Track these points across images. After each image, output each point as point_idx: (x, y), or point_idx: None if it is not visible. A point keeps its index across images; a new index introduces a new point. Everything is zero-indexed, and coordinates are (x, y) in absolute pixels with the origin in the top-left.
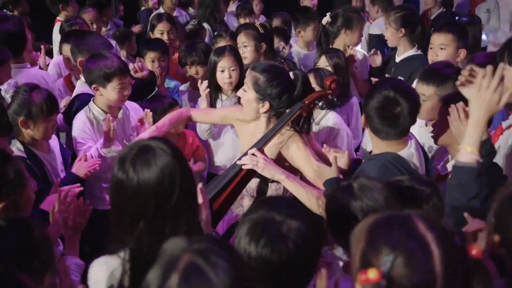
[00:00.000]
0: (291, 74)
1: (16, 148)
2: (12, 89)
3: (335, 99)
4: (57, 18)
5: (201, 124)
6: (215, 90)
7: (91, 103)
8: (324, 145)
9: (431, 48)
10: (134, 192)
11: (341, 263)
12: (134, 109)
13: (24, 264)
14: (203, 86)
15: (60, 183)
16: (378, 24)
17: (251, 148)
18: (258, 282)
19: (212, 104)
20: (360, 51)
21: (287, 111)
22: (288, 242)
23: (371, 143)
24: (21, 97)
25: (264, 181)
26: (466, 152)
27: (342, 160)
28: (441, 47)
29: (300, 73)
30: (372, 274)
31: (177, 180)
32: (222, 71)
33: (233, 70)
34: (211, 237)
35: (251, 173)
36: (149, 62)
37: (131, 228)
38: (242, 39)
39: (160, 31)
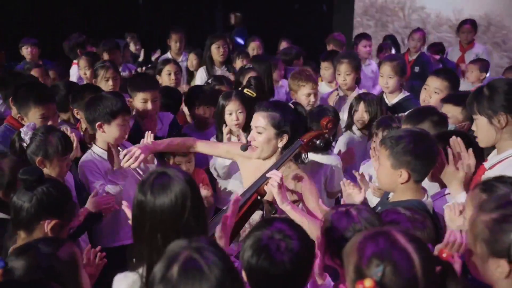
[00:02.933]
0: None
1: None
2: (31, 131)
3: (330, 138)
4: (74, 61)
5: (218, 160)
6: (222, 131)
7: (93, 146)
8: (344, 179)
9: (426, 89)
10: (151, 211)
11: None
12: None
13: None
14: (226, 130)
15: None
16: None
17: (253, 184)
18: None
19: None
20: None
21: (288, 149)
22: (284, 257)
23: (390, 188)
24: (38, 138)
25: (267, 214)
26: None
27: (358, 197)
28: (435, 91)
29: (301, 107)
30: (368, 283)
31: (188, 203)
32: (230, 114)
33: (240, 112)
34: (206, 239)
35: (255, 206)
36: (140, 102)
37: (148, 240)
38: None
39: (168, 72)
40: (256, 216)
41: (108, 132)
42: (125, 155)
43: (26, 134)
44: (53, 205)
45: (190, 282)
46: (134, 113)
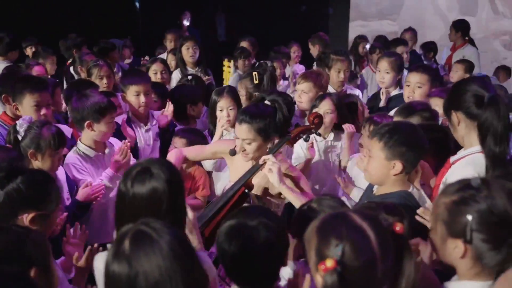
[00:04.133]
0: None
1: None
2: (26, 124)
3: (318, 133)
4: (68, 61)
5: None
6: (215, 126)
7: (78, 142)
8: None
9: (408, 85)
10: (130, 201)
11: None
12: (116, 144)
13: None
14: (219, 131)
15: (66, 209)
16: None
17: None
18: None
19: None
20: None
21: (275, 142)
22: (255, 244)
23: (379, 181)
24: (33, 131)
25: None
26: None
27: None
28: (418, 86)
29: (276, 97)
30: (329, 263)
31: (164, 201)
32: (221, 110)
33: (231, 109)
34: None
35: (242, 199)
36: (133, 95)
37: None
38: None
39: (154, 71)
40: None
41: (97, 130)
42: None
43: (21, 126)
44: (26, 199)
45: (142, 250)
46: (127, 109)
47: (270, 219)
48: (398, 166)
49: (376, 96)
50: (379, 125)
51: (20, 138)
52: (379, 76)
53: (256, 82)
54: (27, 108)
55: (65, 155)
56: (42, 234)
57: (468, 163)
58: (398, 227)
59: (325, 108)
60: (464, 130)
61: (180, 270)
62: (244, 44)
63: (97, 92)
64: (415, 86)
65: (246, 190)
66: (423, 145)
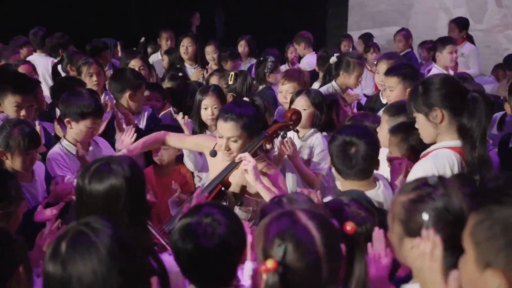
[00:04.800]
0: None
1: None
2: (0, 122)
3: (295, 129)
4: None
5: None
6: (200, 126)
7: (62, 139)
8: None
9: (385, 89)
10: (87, 197)
11: None
12: (102, 143)
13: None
14: (179, 117)
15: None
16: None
17: (218, 175)
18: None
19: None
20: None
21: (252, 141)
22: (209, 242)
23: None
24: (4, 131)
25: (231, 205)
26: None
27: None
28: (390, 89)
29: (258, 100)
30: (270, 263)
31: (122, 197)
32: (206, 108)
33: (215, 108)
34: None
35: (219, 197)
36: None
37: None
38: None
39: (132, 66)
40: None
41: (74, 130)
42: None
43: None
44: None
45: (78, 253)
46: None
47: (226, 217)
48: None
49: (376, 98)
50: None
51: None
52: (378, 78)
53: (230, 82)
54: (8, 107)
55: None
56: (6, 231)
57: (431, 156)
58: (349, 227)
59: (300, 104)
60: (444, 127)
61: (117, 273)
62: (242, 43)
63: (90, 95)
64: (388, 90)
65: (223, 188)
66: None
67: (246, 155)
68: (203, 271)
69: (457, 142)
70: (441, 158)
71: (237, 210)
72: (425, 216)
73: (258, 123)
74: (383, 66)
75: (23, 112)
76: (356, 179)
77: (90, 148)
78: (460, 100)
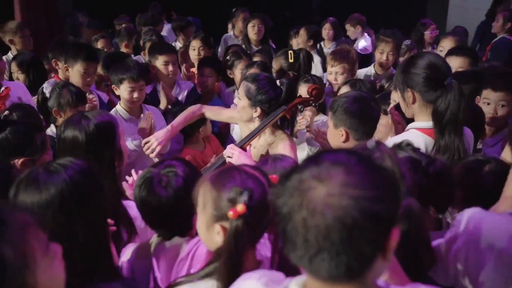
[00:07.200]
0: (278, 82)
1: (51, 130)
2: (51, 86)
3: (315, 105)
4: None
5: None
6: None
7: (117, 105)
8: None
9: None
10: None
11: None
12: (153, 111)
13: None
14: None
15: None
16: None
17: (237, 144)
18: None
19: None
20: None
21: (271, 114)
22: (163, 191)
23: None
24: (55, 93)
25: None
26: None
27: None
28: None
29: (286, 81)
30: (240, 207)
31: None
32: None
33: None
34: None
35: None
36: (162, 65)
37: None
38: None
39: (193, 47)
40: None
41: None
42: (145, 143)
43: (47, 89)
44: (14, 147)
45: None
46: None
47: (186, 170)
48: (343, 133)
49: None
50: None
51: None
52: (382, 57)
53: (291, 60)
54: (76, 72)
55: None
56: None
57: (402, 134)
58: (274, 179)
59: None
60: (417, 108)
61: (65, 215)
62: (326, 26)
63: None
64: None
65: None
66: (368, 113)
67: (232, 146)
68: (158, 219)
69: (429, 124)
70: (408, 138)
71: None
72: None
73: (269, 100)
74: (388, 46)
75: (88, 78)
76: (360, 140)
77: (142, 115)
78: (435, 86)
